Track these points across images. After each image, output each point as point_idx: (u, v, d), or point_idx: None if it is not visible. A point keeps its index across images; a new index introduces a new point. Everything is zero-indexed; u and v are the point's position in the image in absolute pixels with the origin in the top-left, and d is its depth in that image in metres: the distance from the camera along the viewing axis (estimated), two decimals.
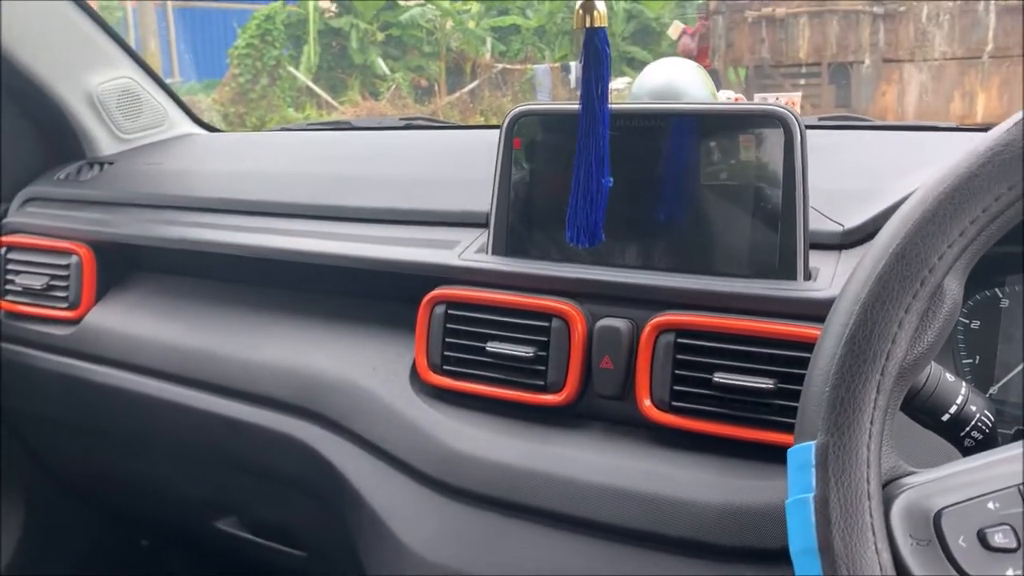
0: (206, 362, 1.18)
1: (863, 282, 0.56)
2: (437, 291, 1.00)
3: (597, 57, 0.79)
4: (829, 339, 0.56)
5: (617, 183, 0.88)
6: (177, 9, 14.06)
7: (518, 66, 14.18)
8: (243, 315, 1.21)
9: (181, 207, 1.31)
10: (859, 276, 0.56)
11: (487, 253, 1.01)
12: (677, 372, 0.88)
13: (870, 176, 1.03)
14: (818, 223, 0.93)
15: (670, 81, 1.14)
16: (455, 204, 1.13)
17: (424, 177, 1.27)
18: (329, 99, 11.40)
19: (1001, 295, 0.92)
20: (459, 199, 1.14)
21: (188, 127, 1.67)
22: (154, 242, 1.27)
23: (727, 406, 0.86)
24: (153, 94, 1.58)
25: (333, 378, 1.07)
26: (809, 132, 1.26)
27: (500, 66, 13.91)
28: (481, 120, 12.37)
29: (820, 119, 1.41)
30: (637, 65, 16.12)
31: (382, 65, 12.27)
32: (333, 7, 12.54)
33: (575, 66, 14.87)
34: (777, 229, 0.88)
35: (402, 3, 12.61)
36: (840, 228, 0.92)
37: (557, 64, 14.63)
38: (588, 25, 0.77)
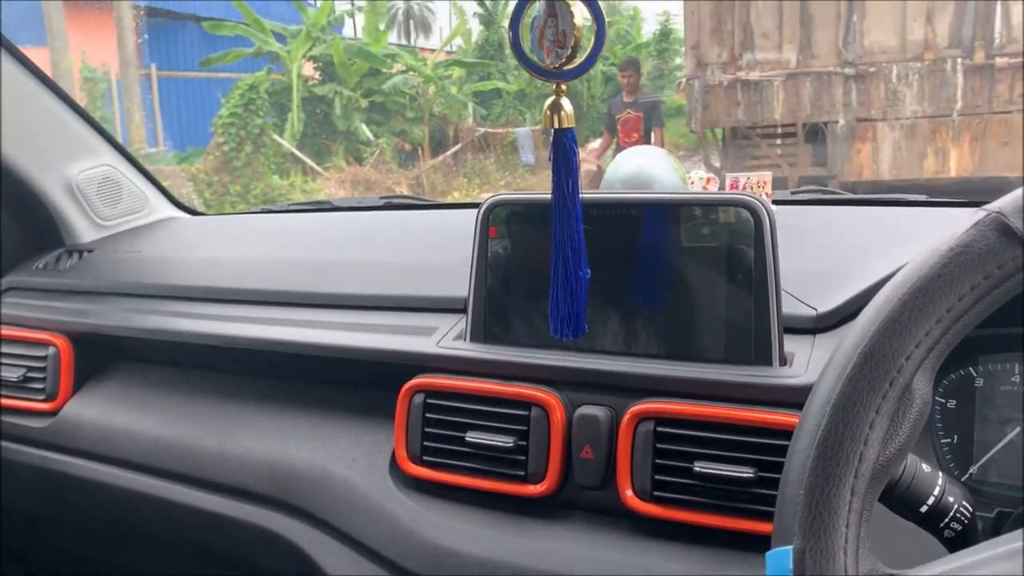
0: (184, 454, 1.17)
1: (833, 382, 0.56)
2: (416, 380, 0.99)
3: (566, 155, 0.80)
4: (802, 440, 0.56)
5: (594, 271, 0.89)
6: (162, 79, 14.23)
7: (500, 129, 14.38)
8: (221, 405, 1.20)
9: (159, 296, 1.31)
10: (829, 376, 0.57)
11: (465, 340, 1.01)
12: (658, 461, 0.88)
13: (841, 257, 1.05)
14: (792, 307, 0.94)
15: (641, 169, 1.16)
16: (434, 289, 1.14)
17: (403, 261, 1.28)
18: (314, 165, 11.49)
19: (975, 374, 0.92)
20: (438, 283, 1.14)
21: (169, 211, 1.68)
22: (132, 332, 1.27)
23: (709, 495, 0.85)
24: (133, 180, 1.60)
25: (312, 470, 1.06)
26: (781, 209, 1.29)
27: (482, 129, 14.11)
28: (464, 182, 12.50)
29: (792, 192, 1.44)
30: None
31: (366, 131, 12.41)
32: (317, 75, 12.73)
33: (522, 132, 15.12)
34: (751, 315, 0.89)
35: (385, 71, 12.81)
36: (814, 312, 0.93)
37: (538, 127, 14.85)
38: (556, 126, 0.78)
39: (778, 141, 6.41)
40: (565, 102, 0.79)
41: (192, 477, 1.16)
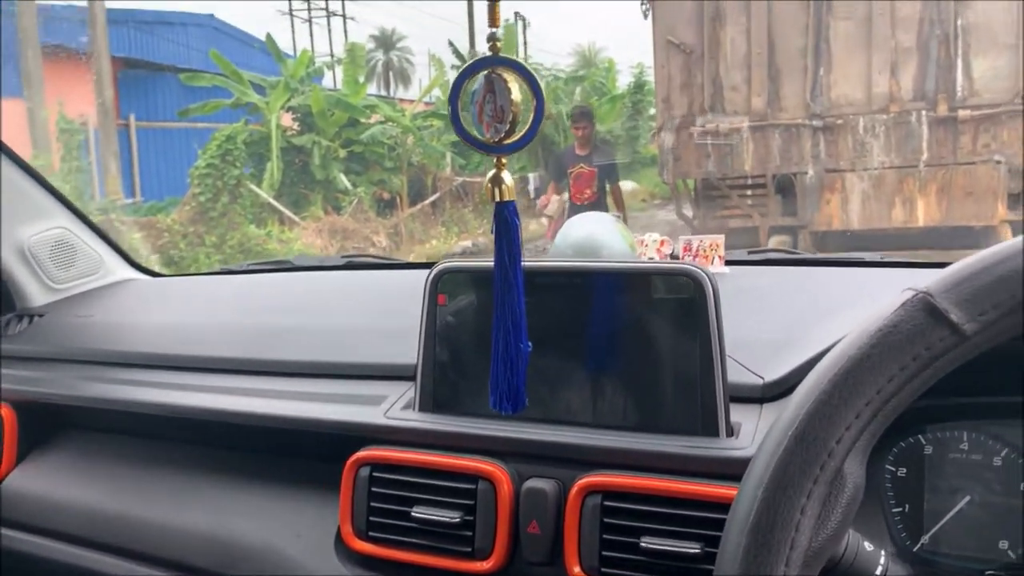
0: (127, 528, 1.14)
1: (765, 466, 0.55)
2: (362, 453, 0.98)
3: (507, 228, 0.79)
4: (734, 527, 0.55)
5: (542, 339, 0.88)
6: (140, 130, 14.26)
7: (478, 178, 14.49)
8: (167, 476, 1.17)
9: (108, 362, 1.29)
10: (761, 459, 0.56)
11: (414, 409, 1.00)
12: (605, 536, 0.86)
13: (791, 322, 1.05)
14: (739, 376, 0.93)
15: (590, 235, 1.17)
16: (387, 355, 1.13)
17: (359, 324, 1.26)
18: (291, 215, 11.50)
19: (924, 442, 0.92)
20: (392, 349, 1.13)
21: (125, 272, 1.66)
22: (78, 401, 1.24)
23: (656, 572, 0.84)
24: (88, 241, 1.58)
25: (256, 545, 1.03)
26: (736, 270, 1.29)
27: (460, 179, 14.21)
28: (443, 230, 12.55)
29: (750, 252, 1.44)
30: None
31: (344, 180, 12.46)
32: (295, 125, 12.80)
33: (533, 177, 15.26)
34: (698, 384, 0.88)
35: (364, 121, 12.92)
36: (760, 381, 0.93)
37: (516, 176, 14.99)
38: (497, 199, 0.78)
39: (749, 192, 6.50)
40: (506, 175, 0.79)
41: (135, 552, 1.13)
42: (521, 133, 0.77)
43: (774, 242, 6.23)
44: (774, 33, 6.15)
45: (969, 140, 5.83)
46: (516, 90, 0.76)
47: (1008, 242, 0.54)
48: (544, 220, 6.01)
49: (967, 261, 0.54)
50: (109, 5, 11.52)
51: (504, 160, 0.79)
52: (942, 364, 0.53)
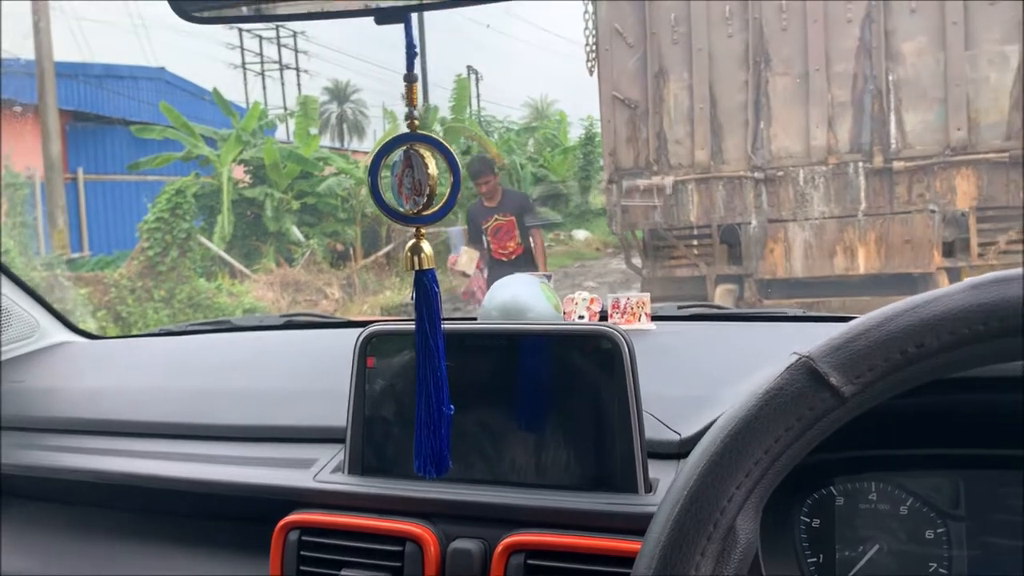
0: None
1: (662, 526, 0.58)
2: (291, 517, 0.98)
3: (427, 295, 0.82)
4: None
5: (467, 400, 0.91)
6: (88, 183, 14.09)
7: (432, 229, 14.51)
8: (97, 543, 1.16)
9: (39, 429, 1.28)
10: (659, 519, 0.59)
11: (344, 472, 1.01)
12: None
13: (709, 379, 1.09)
14: (657, 432, 0.97)
15: (515, 297, 1.20)
16: (318, 418, 1.14)
17: (294, 386, 1.27)
18: (242, 268, 11.40)
19: (836, 493, 0.96)
20: (324, 412, 1.14)
21: (62, 335, 1.65)
22: (5, 468, 1.23)
23: None
24: (22, 304, 1.57)
25: None
26: (664, 326, 1.33)
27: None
28: (397, 280, 12.52)
29: (679, 307, 1.49)
30: (547, 224, 16.75)
31: (297, 232, 12.42)
32: (247, 178, 12.77)
33: (454, 231, 15.34)
34: (616, 442, 0.91)
35: (317, 173, 12.93)
36: (678, 437, 0.96)
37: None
38: (416, 267, 0.81)
39: (695, 242, 6.63)
40: (425, 245, 0.82)
41: None
42: (439, 205, 0.80)
43: (720, 291, 6.35)
44: (715, 89, 6.34)
45: (904, 190, 6.04)
46: (432, 164, 0.79)
47: (881, 309, 0.58)
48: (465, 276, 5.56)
49: (848, 326, 0.58)
50: (58, 58, 11.44)
51: (423, 230, 0.83)
52: (824, 424, 0.57)
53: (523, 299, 1.18)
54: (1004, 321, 0.53)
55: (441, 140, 0.80)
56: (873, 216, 6.07)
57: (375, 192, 0.81)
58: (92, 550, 1.16)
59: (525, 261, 5.29)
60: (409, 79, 0.79)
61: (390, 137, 0.81)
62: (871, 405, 0.57)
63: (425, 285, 0.83)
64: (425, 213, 0.80)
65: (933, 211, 5.98)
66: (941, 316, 0.55)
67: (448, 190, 0.80)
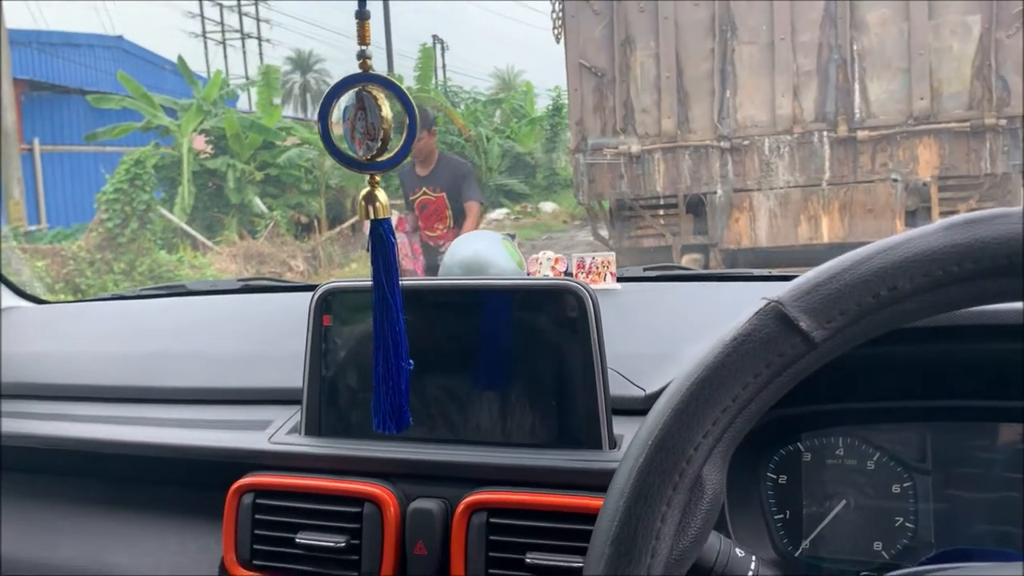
0: None
1: (626, 476, 0.56)
2: (244, 480, 0.95)
3: (383, 246, 0.79)
4: (598, 538, 0.55)
5: (427, 358, 0.88)
6: (45, 154, 13.76)
7: (397, 200, 14.42)
8: (40, 510, 1.12)
9: None
10: (623, 470, 0.56)
11: (300, 433, 0.98)
12: (491, 554, 0.86)
13: (674, 336, 1.07)
14: (622, 388, 0.95)
15: (477, 253, 1.17)
16: (274, 380, 1.10)
17: (250, 349, 1.24)
18: (204, 240, 11.23)
19: (803, 449, 0.95)
20: (280, 374, 1.11)
21: (9, 300, 1.59)
22: None
23: None
24: None
25: None
26: (628, 286, 1.31)
27: None
28: (364, 252, 12.43)
29: (645, 269, 1.47)
30: (514, 196, 16.71)
31: (260, 204, 12.25)
32: (209, 148, 12.54)
33: None
34: (580, 398, 0.89)
35: (279, 144, 12.74)
36: (643, 393, 0.94)
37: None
38: (372, 217, 0.78)
39: (661, 212, 6.65)
40: (380, 193, 0.79)
41: None
42: (394, 151, 0.77)
43: (686, 260, 6.38)
44: (682, 57, 6.32)
45: (868, 159, 6.09)
46: (387, 107, 0.76)
47: (852, 252, 0.56)
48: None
49: (817, 270, 0.56)
50: (11, 26, 11.11)
51: (378, 178, 0.79)
52: (794, 371, 0.55)
53: (485, 255, 1.15)
54: (979, 262, 0.51)
55: (395, 81, 0.76)
56: (837, 185, 6.12)
57: (326, 136, 0.77)
58: (33, 518, 1.12)
59: None
60: (361, 15, 0.75)
61: (341, 79, 0.76)
62: (842, 351, 0.55)
63: (381, 235, 0.79)
64: (379, 159, 0.77)
65: (896, 180, 6.05)
66: (914, 258, 0.53)
67: (404, 134, 0.76)
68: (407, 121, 0.76)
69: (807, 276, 0.56)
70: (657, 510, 0.54)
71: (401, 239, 4.29)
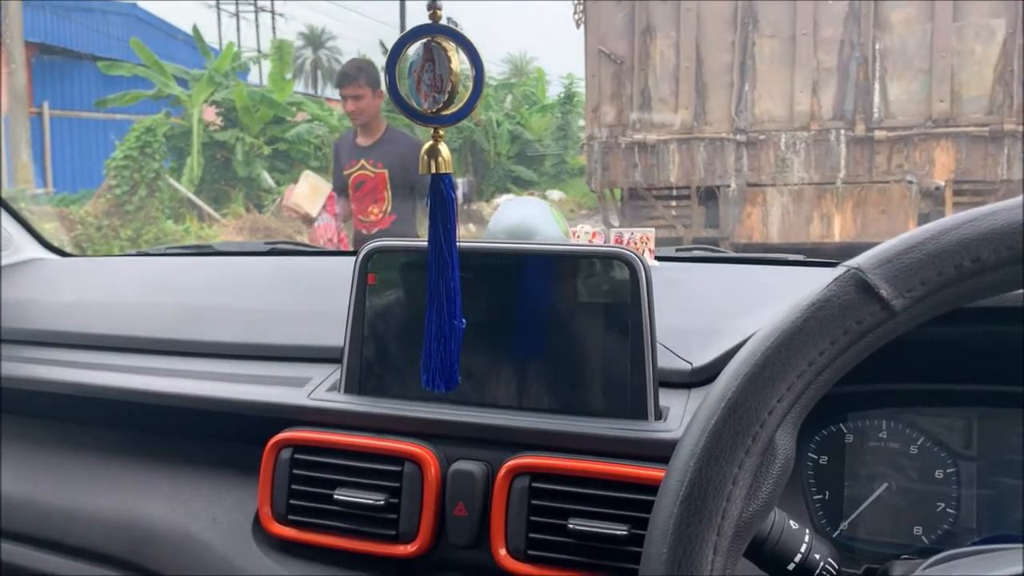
0: (31, 513, 1.08)
1: (697, 437, 0.55)
2: (283, 434, 0.94)
3: (442, 202, 0.78)
4: (666, 498, 0.55)
5: (473, 321, 0.87)
6: (55, 118, 13.72)
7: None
8: (75, 459, 1.12)
9: (13, 340, 1.22)
10: (694, 431, 0.56)
11: (340, 391, 0.97)
12: (532, 518, 0.85)
13: (719, 313, 1.06)
14: (668, 361, 0.94)
15: (524, 220, 1.16)
16: (311, 338, 1.10)
17: (282, 308, 1.23)
18: (211, 211, 11.21)
19: (845, 431, 0.94)
20: (317, 332, 1.10)
21: (35, 251, 1.58)
22: None
23: (583, 553, 0.83)
24: None
25: (169, 531, 0.99)
26: (665, 265, 1.30)
27: None
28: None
29: (677, 250, 1.46)
30: (522, 183, 16.68)
31: (267, 178, 12.21)
32: (219, 120, 12.50)
33: (462, 182, 15.24)
34: (628, 368, 0.88)
35: (289, 119, 12.70)
36: (689, 367, 0.93)
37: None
38: (433, 171, 0.77)
39: (673, 203, 6.62)
40: (443, 147, 0.78)
41: (40, 538, 1.07)
42: (460, 104, 0.75)
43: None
44: (702, 48, 6.29)
45: (884, 160, 6.07)
46: (456, 60, 0.74)
47: (936, 222, 0.55)
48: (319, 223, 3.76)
49: (899, 239, 0.55)
50: None
51: (442, 132, 0.78)
52: (872, 339, 0.54)
53: (533, 222, 1.14)
54: None
55: (465, 34, 0.75)
56: (851, 184, 6.10)
57: (393, 87, 0.76)
58: (68, 466, 1.12)
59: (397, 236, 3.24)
60: None
61: (410, 28, 0.75)
62: (922, 321, 0.54)
63: (441, 191, 0.78)
64: (445, 113, 0.75)
65: (911, 182, 6.02)
66: (1000, 230, 0.52)
67: (470, 88, 0.75)
68: (473, 74, 0.75)
69: (889, 243, 0.55)
70: (729, 472, 0.53)
71: (326, 221, 3.71)
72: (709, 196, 6.42)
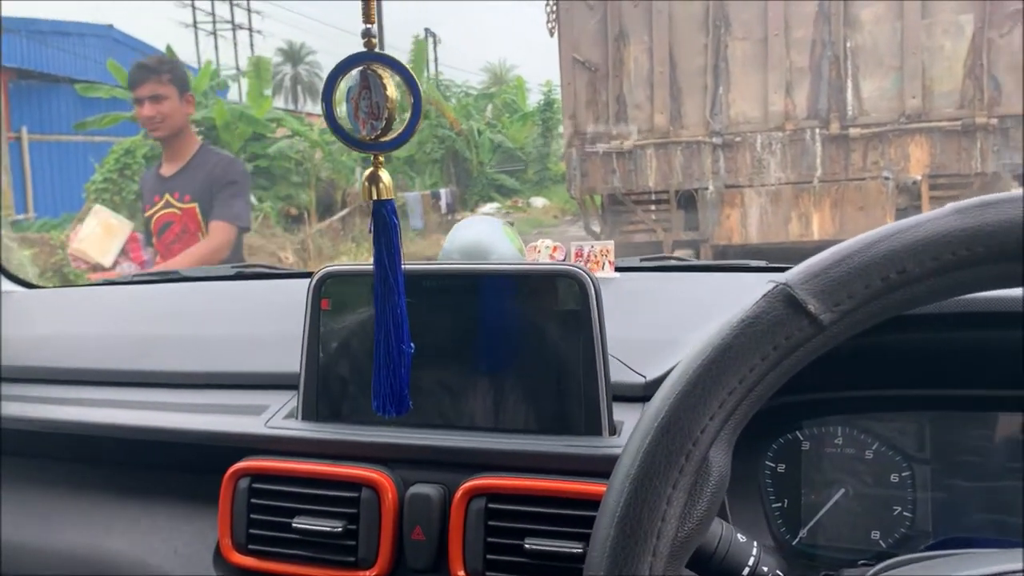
0: None
1: (632, 457, 0.55)
2: (240, 464, 0.94)
3: (386, 228, 0.78)
4: (604, 519, 0.55)
5: (426, 342, 0.87)
6: (33, 143, 13.66)
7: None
8: (36, 495, 1.11)
9: None
10: (630, 450, 0.56)
11: (297, 418, 0.97)
12: (490, 540, 0.85)
13: (677, 323, 1.06)
14: (622, 375, 0.94)
15: (478, 239, 1.17)
16: (272, 364, 1.09)
17: (245, 334, 1.23)
18: None
19: (802, 438, 0.95)
20: (278, 358, 1.10)
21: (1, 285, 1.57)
22: None
23: (541, 572, 0.83)
24: None
25: (130, 564, 0.98)
26: (627, 275, 1.31)
27: None
28: (352, 246, 12.39)
29: (642, 260, 1.46)
30: (505, 191, 16.71)
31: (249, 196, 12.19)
32: (198, 139, 12.47)
33: (444, 192, 15.26)
34: (581, 385, 0.88)
35: (269, 135, 12.68)
36: (643, 380, 0.94)
37: (427, 191, 14.96)
38: (375, 198, 0.77)
39: (653, 207, 6.65)
40: (383, 174, 0.78)
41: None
42: (398, 131, 0.76)
43: (677, 255, 6.38)
44: (675, 52, 6.32)
45: (859, 157, 6.11)
46: (392, 86, 0.75)
47: (863, 235, 0.55)
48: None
49: (825, 253, 0.55)
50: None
51: (381, 158, 0.78)
52: (802, 353, 0.55)
53: (487, 241, 1.15)
54: (988, 247, 0.51)
55: (400, 61, 0.75)
56: (828, 183, 6.14)
57: (330, 116, 0.76)
58: (29, 502, 1.11)
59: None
60: None
61: (345, 57, 0.75)
62: (851, 334, 0.55)
63: (384, 217, 0.78)
64: (383, 139, 0.76)
65: (887, 178, 6.07)
66: (924, 241, 0.52)
67: (408, 114, 0.75)
68: (411, 101, 0.75)
69: (816, 259, 0.55)
70: (663, 492, 0.53)
71: (129, 269, 2.95)
72: (688, 200, 6.45)
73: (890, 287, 0.53)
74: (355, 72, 0.75)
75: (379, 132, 0.75)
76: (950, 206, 0.54)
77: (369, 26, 0.75)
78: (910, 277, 0.52)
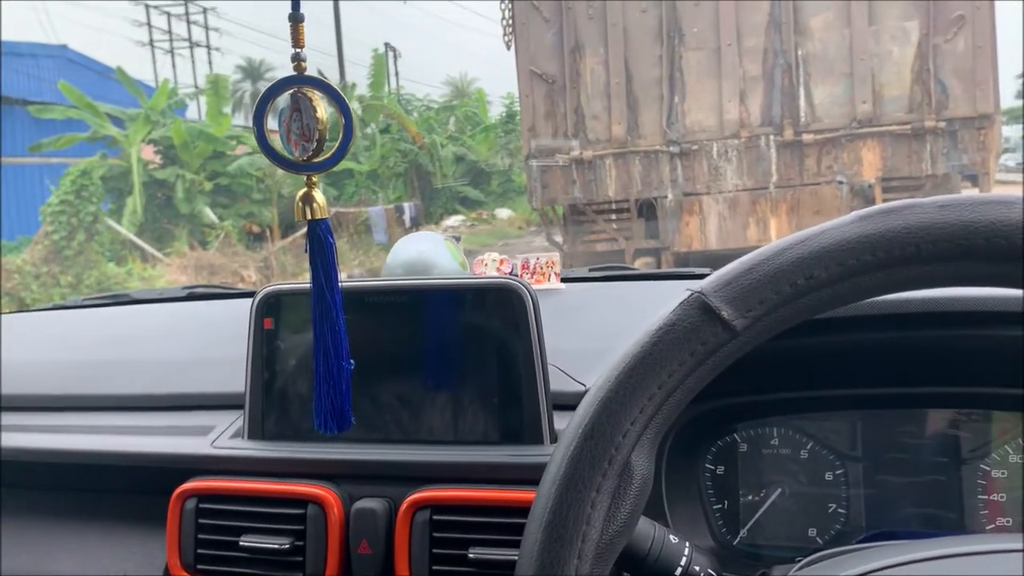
0: None
1: (559, 463, 0.57)
2: (187, 484, 0.95)
3: (321, 247, 0.80)
4: (532, 525, 0.57)
5: (369, 358, 0.88)
6: None
7: (352, 209, 14.35)
8: None
9: None
10: (556, 457, 0.58)
11: (243, 438, 0.98)
12: (435, 551, 0.86)
13: (618, 332, 1.08)
14: (563, 384, 0.96)
15: (420, 254, 1.18)
16: (218, 385, 1.10)
17: (193, 355, 1.23)
18: (153, 251, 11.05)
19: (739, 440, 0.97)
20: (225, 378, 1.10)
21: None
22: None
23: None
24: None
25: None
26: (573, 286, 1.33)
27: (334, 210, 14.02)
28: None
29: (590, 269, 1.49)
30: (469, 204, 16.72)
31: (210, 214, 12.09)
32: (157, 159, 12.35)
33: (408, 206, 15.24)
34: (522, 395, 0.90)
35: (229, 153, 12.60)
36: (583, 388, 0.96)
37: (391, 205, 14.93)
38: (309, 217, 0.78)
39: (613, 216, 6.71)
40: (317, 194, 0.79)
41: None
42: (330, 152, 0.77)
43: (639, 264, 6.45)
44: (631, 63, 6.40)
45: (814, 162, 6.23)
46: (322, 108, 0.76)
47: (773, 243, 0.58)
48: None
49: (738, 262, 0.57)
50: None
51: (315, 179, 0.79)
52: (717, 359, 0.57)
53: (428, 256, 1.16)
54: (890, 252, 0.53)
55: (330, 83, 0.77)
56: (784, 188, 6.24)
57: (261, 138, 0.77)
58: None
59: None
60: (295, 18, 0.76)
61: (275, 81, 0.77)
62: (764, 339, 0.57)
63: (319, 236, 0.80)
64: (316, 160, 0.77)
65: (841, 182, 6.18)
66: (829, 248, 0.55)
67: (340, 135, 0.77)
68: (343, 122, 0.77)
69: (729, 267, 0.58)
70: (587, 496, 0.55)
71: None
72: (648, 208, 6.52)
73: (799, 292, 0.55)
74: (286, 95, 0.77)
75: (311, 153, 0.77)
76: (854, 214, 0.56)
77: (298, 50, 0.76)
78: (818, 283, 0.55)
